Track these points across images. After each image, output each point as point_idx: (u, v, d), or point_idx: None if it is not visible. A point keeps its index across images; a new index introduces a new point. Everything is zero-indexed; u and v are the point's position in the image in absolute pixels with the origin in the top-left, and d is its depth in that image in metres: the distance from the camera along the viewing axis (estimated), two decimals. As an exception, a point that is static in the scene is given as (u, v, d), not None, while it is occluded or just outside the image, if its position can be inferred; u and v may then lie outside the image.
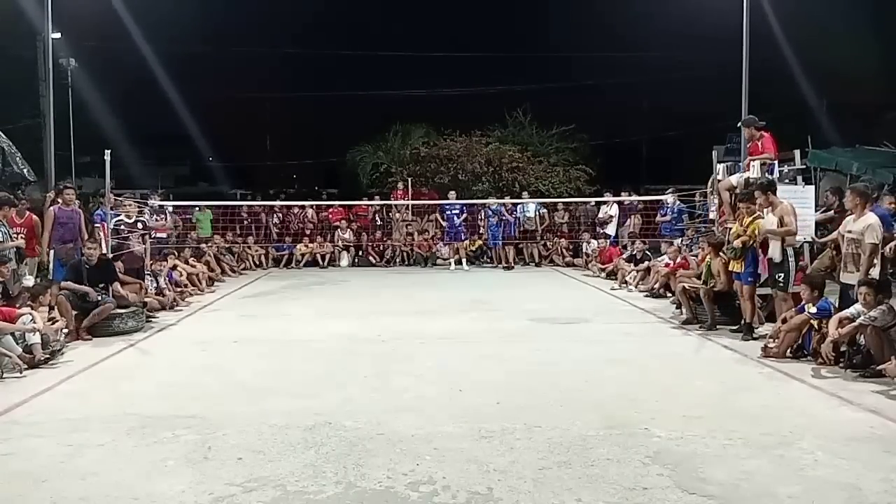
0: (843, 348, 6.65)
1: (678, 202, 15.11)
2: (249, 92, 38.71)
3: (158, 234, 13.57)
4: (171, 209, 16.20)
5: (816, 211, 10.08)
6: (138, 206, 12.60)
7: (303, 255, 17.23)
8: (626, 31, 36.09)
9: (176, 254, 13.30)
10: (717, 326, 8.70)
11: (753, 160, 9.23)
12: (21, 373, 6.59)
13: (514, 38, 41.44)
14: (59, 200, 9.84)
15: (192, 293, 12.12)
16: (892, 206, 9.24)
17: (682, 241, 12.78)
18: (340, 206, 19.32)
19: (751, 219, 8.25)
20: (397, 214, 18.74)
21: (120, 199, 12.01)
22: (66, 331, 7.95)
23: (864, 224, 6.94)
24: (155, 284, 10.85)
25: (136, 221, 11.44)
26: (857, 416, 5.29)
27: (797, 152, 14.21)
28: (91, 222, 10.88)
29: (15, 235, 8.84)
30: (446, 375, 6.57)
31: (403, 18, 41.67)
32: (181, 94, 31.41)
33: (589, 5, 38.05)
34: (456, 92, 33.25)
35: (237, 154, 41.27)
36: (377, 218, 18.60)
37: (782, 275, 7.86)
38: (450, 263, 16.65)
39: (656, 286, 11.69)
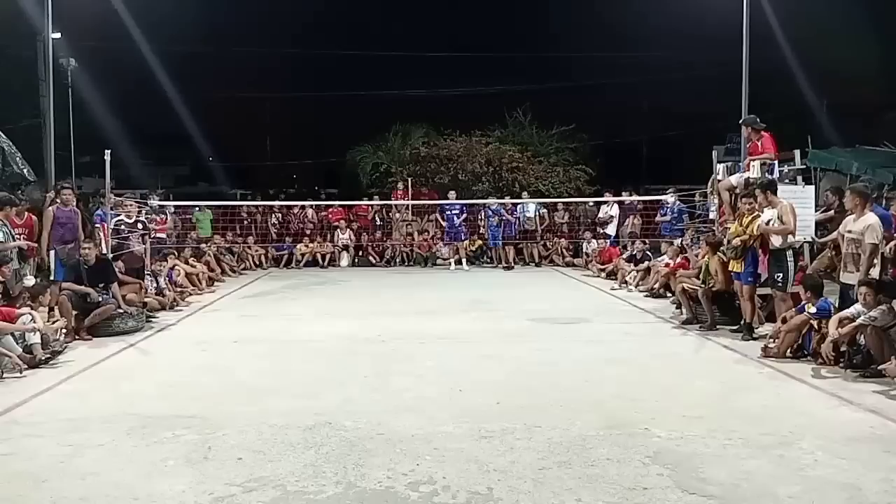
0: (843, 348, 6.65)
1: (678, 202, 15.10)
2: (249, 92, 38.75)
3: (158, 235, 13.57)
4: (171, 209, 16.20)
5: (816, 211, 10.08)
6: (138, 206, 12.60)
7: (303, 255, 17.23)
8: (626, 31, 36.05)
9: (176, 254, 13.31)
10: (717, 326, 8.70)
11: (753, 160, 9.24)
12: (21, 373, 6.59)
13: (514, 38, 41.45)
14: (58, 200, 9.83)
15: (192, 293, 12.12)
16: None
17: (682, 241, 12.78)
18: (340, 206, 19.31)
19: (750, 218, 8.25)
20: (397, 214, 18.75)
21: (120, 199, 12.00)
22: (65, 331, 7.96)
23: (864, 224, 6.94)
24: (155, 284, 10.85)
25: (136, 221, 11.43)
26: (857, 416, 5.29)
27: (797, 152, 14.21)
28: (91, 222, 10.87)
29: (18, 236, 8.84)
30: (446, 375, 6.57)
31: (403, 18, 41.68)
32: (181, 94, 31.46)
33: (589, 5, 38.08)
34: (456, 92, 33.27)
35: (237, 154, 41.27)
36: (377, 218, 18.59)
37: (781, 274, 7.85)
38: (450, 263, 16.64)
39: (656, 286, 11.69)
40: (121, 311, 8.84)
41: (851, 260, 7.10)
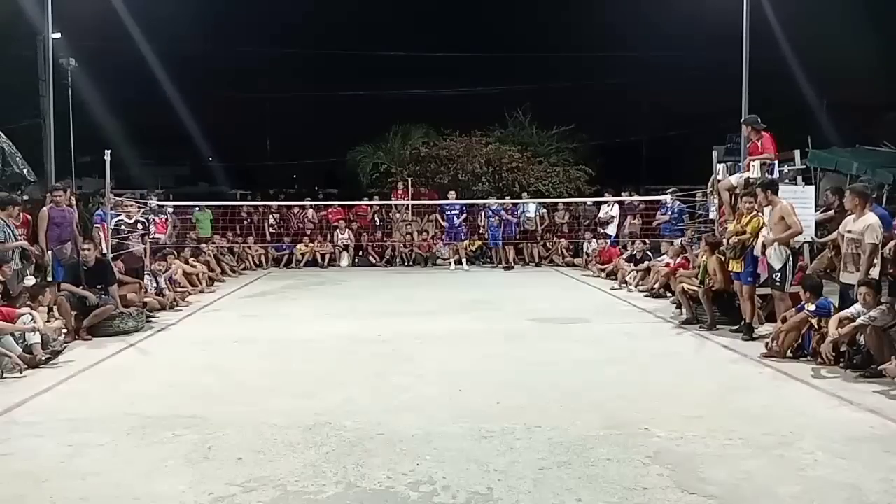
0: (843, 348, 6.65)
1: (678, 202, 15.10)
2: (249, 92, 38.76)
3: (157, 235, 13.57)
4: (170, 209, 16.21)
5: (816, 211, 10.07)
6: (138, 206, 12.60)
7: (303, 254, 17.24)
8: (626, 31, 36.06)
9: (175, 254, 13.30)
10: (717, 326, 8.70)
11: (753, 160, 9.23)
12: (21, 373, 6.59)
13: (514, 38, 41.38)
14: (53, 201, 9.84)
15: (192, 293, 12.11)
16: None
17: (682, 241, 12.78)
18: (340, 206, 19.30)
19: (749, 217, 8.25)
20: (397, 214, 18.74)
21: (120, 199, 12.00)
22: (65, 331, 7.95)
23: (863, 224, 6.94)
24: (154, 284, 10.85)
25: (136, 221, 11.43)
26: (857, 416, 5.29)
27: (797, 152, 14.20)
28: (90, 222, 10.87)
29: (19, 236, 8.87)
30: (446, 375, 6.57)
31: (403, 18, 41.66)
32: (181, 94, 31.44)
33: (589, 5, 38.06)
34: (456, 92, 33.25)
35: (237, 154, 41.27)
36: (376, 218, 18.59)
37: (779, 274, 7.84)
38: (450, 263, 16.65)
39: (656, 286, 11.69)
40: (120, 311, 8.83)
41: (851, 260, 7.09)
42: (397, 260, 17.69)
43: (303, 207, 18.73)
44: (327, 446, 4.68)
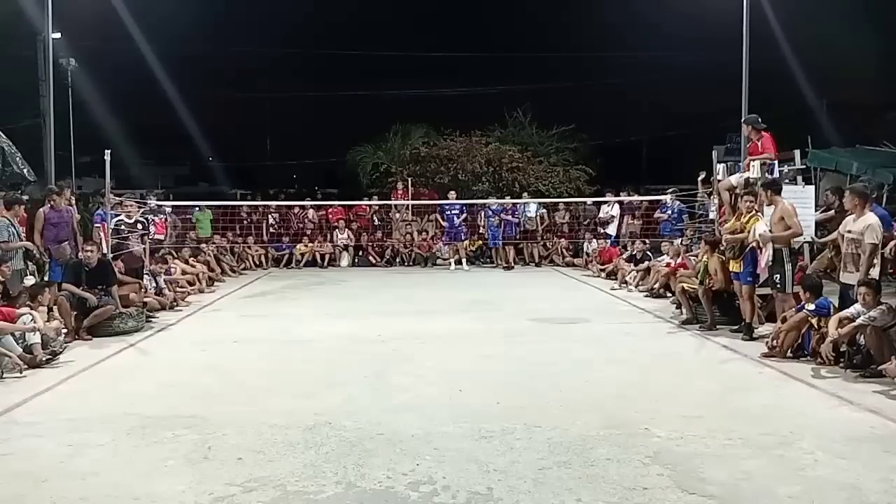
0: (843, 348, 6.65)
1: (678, 202, 15.11)
2: (249, 92, 38.76)
3: (157, 235, 13.57)
4: (169, 209, 16.22)
5: (816, 211, 10.08)
6: (138, 206, 12.60)
7: (303, 254, 17.24)
8: (626, 31, 36.07)
9: (174, 254, 13.31)
10: (717, 326, 8.70)
11: (753, 160, 9.23)
12: (21, 373, 6.59)
13: (514, 38, 41.38)
14: (50, 203, 9.85)
15: (192, 293, 12.10)
16: None
17: (681, 241, 12.78)
18: (340, 206, 19.29)
19: (749, 216, 8.25)
20: (397, 214, 18.74)
21: (120, 199, 12.01)
22: (64, 331, 7.96)
23: (863, 224, 6.94)
24: (154, 284, 10.85)
25: (135, 222, 11.43)
26: (857, 416, 5.29)
27: (797, 152, 14.20)
28: (91, 223, 10.88)
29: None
30: (446, 375, 6.57)
31: (403, 18, 41.66)
32: (181, 93, 31.44)
33: (589, 5, 38.06)
34: (456, 92, 33.25)
35: (237, 154, 41.28)
36: (375, 218, 18.60)
37: (778, 275, 7.84)
38: (450, 263, 16.65)
39: (656, 286, 11.69)
40: (120, 311, 8.84)
41: (851, 260, 7.09)
42: (397, 260, 17.69)
43: (303, 207, 18.74)
44: (327, 446, 4.68)
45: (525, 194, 19.24)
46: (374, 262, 17.50)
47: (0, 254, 8.28)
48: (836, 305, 7.13)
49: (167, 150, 39.87)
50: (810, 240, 9.52)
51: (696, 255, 10.87)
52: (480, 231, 17.70)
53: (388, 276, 15.54)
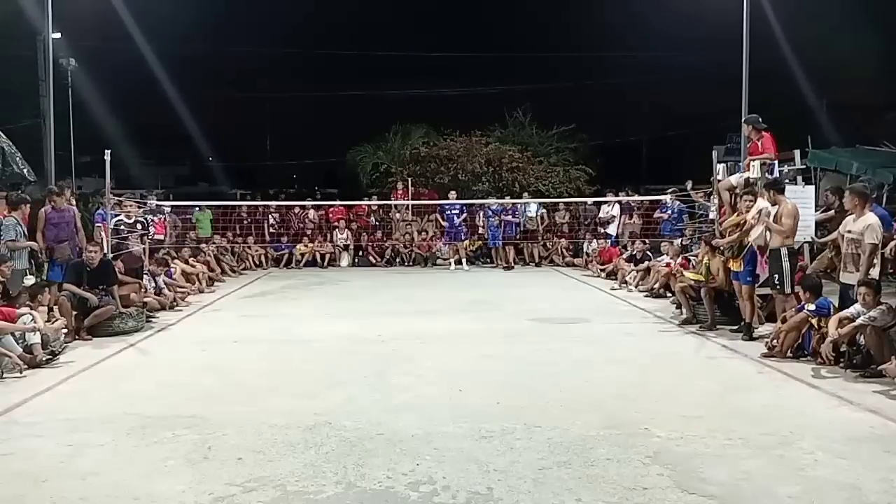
0: (843, 348, 6.65)
1: (678, 202, 15.11)
2: (249, 92, 38.76)
3: (157, 235, 13.57)
4: (168, 209, 16.21)
5: (816, 211, 10.07)
6: (138, 206, 12.60)
7: (302, 255, 17.23)
8: (626, 31, 36.09)
9: (174, 254, 13.30)
10: (717, 326, 8.70)
11: (753, 160, 9.23)
12: (21, 373, 6.59)
13: (514, 38, 41.40)
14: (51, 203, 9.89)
15: (192, 293, 12.10)
16: None
17: (681, 241, 12.78)
18: (341, 206, 19.29)
19: (746, 215, 8.26)
20: (397, 214, 18.74)
21: (120, 198, 12.01)
22: (65, 331, 7.96)
23: (863, 224, 6.93)
24: (153, 284, 10.84)
25: (135, 221, 11.43)
26: (857, 416, 5.30)
27: (797, 152, 14.20)
28: (91, 223, 10.88)
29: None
30: (446, 375, 6.57)
31: (403, 18, 41.67)
32: (181, 93, 31.43)
33: (589, 5, 38.07)
34: (456, 92, 33.25)
35: (237, 154, 41.28)
36: (373, 218, 18.59)
37: (777, 276, 7.83)
38: (450, 263, 16.64)
39: (656, 286, 11.69)
40: (120, 311, 8.84)
41: (851, 260, 7.09)
42: (397, 260, 17.68)
43: (303, 207, 18.74)
44: (327, 446, 4.68)
45: (525, 194, 19.24)
46: (374, 262, 17.50)
47: (7, 253, 8.38)
48: (836, 305, 7.13)
49: (167, 150, 39.88)
50: (810, 240, 9.51)
51: (696, 255, 10.87)
52: (480, 231, 17.69)
53: (388, 276, 15.54)
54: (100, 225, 10.57)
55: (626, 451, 4.53)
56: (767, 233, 7.93)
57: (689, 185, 14.94)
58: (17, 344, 6.86)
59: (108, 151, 10.50)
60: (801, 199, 9.05)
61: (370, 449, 4.61)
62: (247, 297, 12.53)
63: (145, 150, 34.88)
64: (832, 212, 9.52)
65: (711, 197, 11.17)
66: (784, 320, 7.40)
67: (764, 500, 3.87)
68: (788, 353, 7.09)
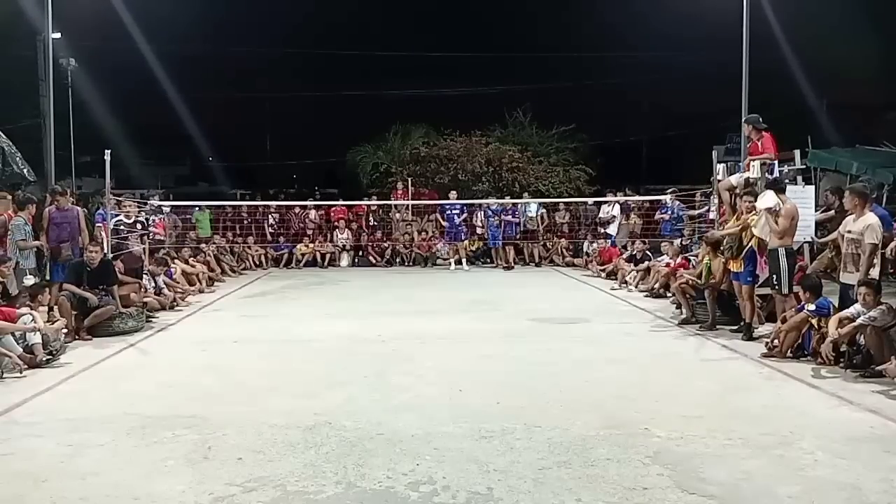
0: (843, 348, 6.65)
1: (678, 202, 15.11)
2: (249, 92, 38.76)
3: (157, 236, 13.57)
4: (167, 209, 16.20)
5: (816, 211, 10.07)
6: (138, 206, 12.60)
7: (303, 255, 17.23)
8: (626, 32, 36.11)
9: (174, 254, 13.30)
10: (717, 326, 8.70)
11: (753, 160, 9.23)
12: (21, 373, 6.59)
13: (514, 39, 41.41)
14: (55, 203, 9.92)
15: (192, 293, 12.10)
16: None
17: (681, 241, 12.78)
18: (342, 205, 19.28)
19: (749, 215, 8.25)
20: (397, 214, 18.74)
21: (119, 198, 12.01)
22: (65, 331, 7.96)
23: (863, 224, 6.93)
24: (153, 284, 10.84)
25: (135, 221, 11.42)
26: (857, 416, 5.30)
27: (797, 152, 14.19)
28: (91, 223, 10.89)
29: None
30: (446, 375, 6.57)
31: (403, 18, 41.68)
32: (181, 93, 31.45)
33: (589, 5, 38.07)
34: (456, 92, 33.25)
35: (237, 154, 41.29)
36: (371, 218, 18.59)
37: (776, 276, 7.83)
38: (450, 263, 16.64)
39: (656, 286, 11.69)
40: (120, 311, 8.84)
41: (851, 260, 7.09)
42: (397, 260, 17.68)
43: (303, 207, 18.73)
44: (327, 446, 4.68)
45: (525, 194, 19.24)
46: (374, 262, 17.49)
47: (15, 252, 8.54)
48: (836, 305, 7.13)
49: (167, 150, 39.88)
50: (810, 240, 9.51)
51: (696, 255, 10.88)
52: (478, 231, 17.66)
53: (388, 276, 15.54)
54: (100, 225, 10.57)
55: (626, 451, 4.53)
56: (767, 227, 7.91)
57: (668, 197, 15.05)
58: (18, 344, 6.86)
59: (108, 151, 10.50)
60: (801, 199, 9.05)
61: (370, 449, 4.61)
62: (247, 297, 12.53)
63: (145, 150, 34.88)
64: (832, 212, 9.52)
65: (711, 197, 11.17)
66: (784, 320, 7.39)
67: (764, 500, 3.87)
68: (788, 353, 7.09)
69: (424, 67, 36.04)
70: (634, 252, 13.71)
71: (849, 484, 4.03)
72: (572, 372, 6.73)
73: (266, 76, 41.76)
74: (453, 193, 17.47)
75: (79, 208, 10.30)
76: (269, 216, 18.33)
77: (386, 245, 17.91)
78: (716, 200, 10.52)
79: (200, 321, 10.07)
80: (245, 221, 18.06)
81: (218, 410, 5.47)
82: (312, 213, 18.39)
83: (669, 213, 15.01)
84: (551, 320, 9.70)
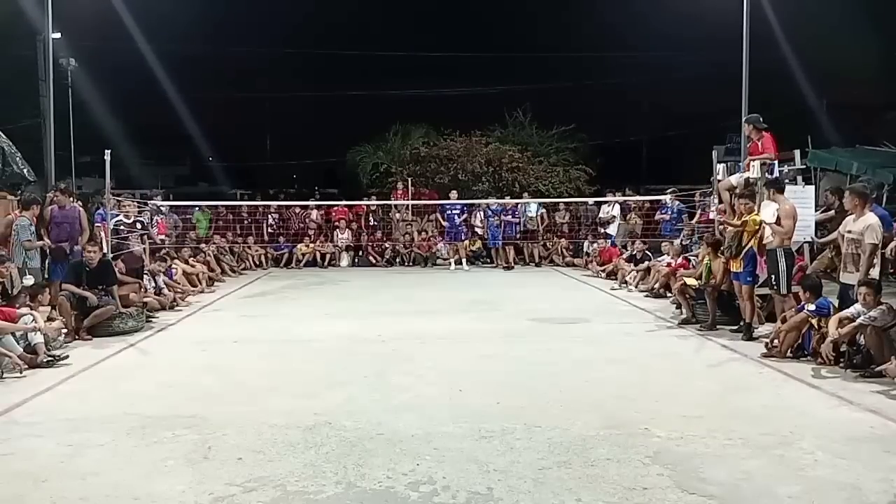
0: (843, 348, 6.65)
1: (678, 202, 15.12)
2: (249, 92, 38.77)
3: (159, 236, 13.57)
4: (166, 209, 16.20)
5: (816, 211, 10.07)
6: (138, 206, 12.59)
7: (303, 255, 17.23)
8: (626, 32, 36.10)
9: (174, 254, 13.29)
10: (717, 326, 8.70)
11: (753, 160, 9.22)
12: (21, 373, 6.59)
13: (514, 39, 41.41)
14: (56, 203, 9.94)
15: (192, 293, 12.09)
16: None
17: (681, 241, 12.78)
18: (343, 205, 19.28)
19: (747, 216, 8.25)
20: (397, 214, 18.74)
21: (119, 198, 12.00)
22: (65, 331, 7.96)
23: (863, 224, 6.93)
24: (153, 284, 10.84)
25: (134, 221, 11.42)
26: (857, 416, 5.29)
27: (797, 152, 14.20)
28: (90, 223, 10.88)
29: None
30: (446, 375, 6.57)
31: (403, 18, 41.69)
32: (181, 93, 31.46)
33: (589, 5, 38.08)
34: (456, 92, 33.26)
35: (237, 154, 41.31)
36: (371, 218, 18.59)
37: (774, 276, 7.82)
38: (450, 263, 16.64)
39: (656, 286, 11.69)
40: (120, 311, 8.84)
41: (851, 260, 7.09)
42: (397, 260, 17.68)
43: (304, 208, 18.73)
44: (327, 446, 4.68)
45: (525, 194, 19.24)
46: (374, 262, 17.49)
47: (22, 252, 8.64)
48: (836, 305, 7.13)
49: (167, 150, 39.90)
50: (810, 240, 9.51)
51: (696, 255, 10.88)
52: (476, 231, 17.64)
53: (388, 276, 15.54)
54: (99, 225, 10.58)
55: (626, 451, 4.53)
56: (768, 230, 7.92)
57: (668, 197, 15.06)
58: (19, 344, 6.86)
59: (108, 151, 10.50)
60: (801, 199, 9.04)
61: (370, 449, 4.61)
62: (247, 297, 12.53)
63: (145, 150, 34.91)
64: (832, 212, 9.52)
65: (711, 197, 11.17)
66: (784, 320, 7.39)
67: (764, 500, 3.87)
68: (788, 353, 7.09)
69: (424, 67, 36.05)
70: (634, 252, 13.71)
71: (849, 484, 4.03)
72: (572, 372, 6.73)
73: (266, 76, 41.82)
74: (454, 193, 17.46)
75: (80, 208, 10.30)
76: (269, 216, 18.33)
77: (386, 245, 17.91)
78: (716, 200, 10.52)
79: (200, 321, 10.06)
80: (245, 221, 18.06)
81: (218, 410, 5.47)
82: (314, 213, 18.38)
83: (669, 212, 15.01)
84: (551, 320, 9.70)
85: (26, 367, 6.71)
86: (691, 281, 9.37)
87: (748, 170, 9.31)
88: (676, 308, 9.93)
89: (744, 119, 11.59)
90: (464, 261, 16.55)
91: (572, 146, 24.82)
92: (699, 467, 4.28)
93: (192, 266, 13.14)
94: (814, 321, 7.00)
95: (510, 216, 17.19)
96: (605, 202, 17.43)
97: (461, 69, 35.34)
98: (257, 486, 4.05)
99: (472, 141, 21.98)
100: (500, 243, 16.90)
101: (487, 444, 4.70)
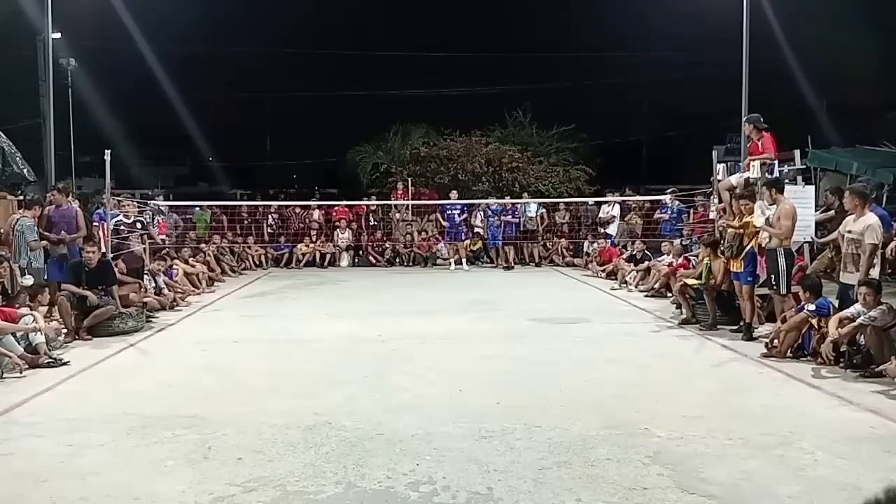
0: (843, 348, 6.65)
1: (678, 202, 15.12)
2: (249, 92, 38.78)
3: (160, 236, 13.57)
4: (165, 209, 16.19)
5: (816, 211, 10.07)
6: (138, 206, 12.59)
7: (303, 255, 17.23)
8: (626, 31, 36.11)
9: (174, 254, 13.29)
10: (717, 326, 8.70)
11: (753, 160, 9.22)
12: (21, 373, 6.59)
13: (514, 39, 41.43)
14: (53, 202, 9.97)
15: (192, 293, 12.09)
16: None
17: (681, 241, 12.78)
18: (343, 205, 19.28)
19: (747, 217, 8.26)
20: (397, 214, 18.73)
21: (118, 198, 12.01)
22: (65, 330, 7.96)
23: (863, 224, 6.93)
24: (153, 284, 10.84)
25: (134, 221, 11.43)
26: (857, 416, 5.29)
27: (797, 152, 14.20)
28: (90, 223, 10.90)
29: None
30: (446, 375, 6.57)
31: (403, 18, 41.70)
32: (181, 93, 31.47)
33: (589, 5, 38.11)
34: (456, 92, 33.27)
35: (237, 154, 41.32)
36: (371, 218, 18.59)
37: (774, 276, 7.82)
38: (450, 263, 16.64)
39: (656, 286, 11.69)
40: (120, 311, 8.84)
41: (851, 260, 7.09)
42: (397, 260, 17.67)
43: (305, 208, 18.72)
44: (327, 446, 4.68)
45: (525, 194, 19.23)
46: (374, 262, 17.48)
47: (27, 252, 8.74)
48: (836, 305, 7.13)
49: (167, 150, 39.90)
50: (810, 240, 9.51)
51: (696, 255, 10.87)
52: (476, 231, 17.63)
53: (388, 276, 15.53)
54: (97, 225, 10.58)
55: (626, 451, 4.53)
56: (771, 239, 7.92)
57: (668, 197, 15.06)
58: (20, 343, 6.86)
59: (108, 151, 10.50)
60: (801, 199, 9.04)
61: (370, 449, 4.61)
62: (247, 297, 12.53)
63: (145, 150, 34.90)
64: (832, 212, 9.51)
65: (711, 197, 11.17)
66: (784, 320, 7.39)
67: (764, 500, 3.87)
68: (788, 353, 7.09)
69: (424, 67, 36.10)
70: (634, 252, 13.71)
71: (849, 484, 4.03)
72: (572, 372, 6.73)
73: (266, 76, 41.81)
74: (454, 193, 17.46)
75: (77, 207, 10.29)
76: (269, 216, 18.33)
77: (386, 245, 17.90)
78: (715, 200, 10.52)
79: (200, 321, 10.06)
80: (245, 221, 18.06)
81: (218, 410, 5.47)
82: (316, 213, 18.37)
83: (669, 212, 15.01)
84: (551, 320, 9.70)
85: (27, 366, 6.71)
86: (691, 281, 9.38)
87: (748, 170, 9.31)
88: (676, 308, 9.93)
89: (744, 119, 11.60)
90: (464, 261, 16.55)
91: (572, 146, 24.82)
92: (699, 467, 4.28)
93: (193, 266, 13.14)
94: (814, 321, 7.00)
95: (510, 216, 17.19)
96: (605, 202, 17.42)
97: (461, 69, 35.44)
98: (257, 486, 4.05)
99: (472, 141, 21.98)
100: (501, 243, 16.90)
101: (487, 444, 4.70)
